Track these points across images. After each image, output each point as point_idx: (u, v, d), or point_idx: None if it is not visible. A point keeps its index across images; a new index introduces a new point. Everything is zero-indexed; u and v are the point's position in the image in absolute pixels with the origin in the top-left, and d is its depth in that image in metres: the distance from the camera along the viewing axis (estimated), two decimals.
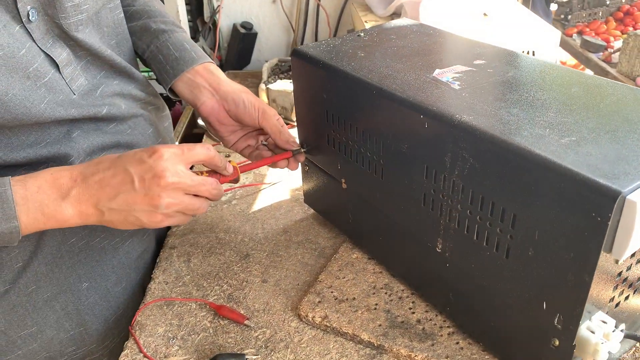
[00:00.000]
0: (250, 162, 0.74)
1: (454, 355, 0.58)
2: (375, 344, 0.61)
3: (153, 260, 0.78)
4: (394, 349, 0.60)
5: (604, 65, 2.09)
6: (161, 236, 0.82)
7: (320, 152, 0.74)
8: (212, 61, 0.77)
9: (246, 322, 0.65)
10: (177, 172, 0.56)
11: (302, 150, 0.75)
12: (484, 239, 0.52)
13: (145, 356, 0.61)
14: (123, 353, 0.62)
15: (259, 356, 0.61)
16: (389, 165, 0.62)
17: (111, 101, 0.68)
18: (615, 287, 0.50)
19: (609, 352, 0.49)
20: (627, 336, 0.56)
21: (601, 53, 2.10)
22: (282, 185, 0.91)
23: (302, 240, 0.78)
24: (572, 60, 2.54)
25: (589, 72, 2.17)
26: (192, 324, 0.66)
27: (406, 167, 0.59)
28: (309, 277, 0.72)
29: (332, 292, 0.68)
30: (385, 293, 0.67)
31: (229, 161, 0.67)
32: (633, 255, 0.49)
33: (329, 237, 0.79)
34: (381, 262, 0.72)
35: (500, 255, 0.51)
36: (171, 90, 0.77)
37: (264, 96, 1.16)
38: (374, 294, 0.67)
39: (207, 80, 0.74)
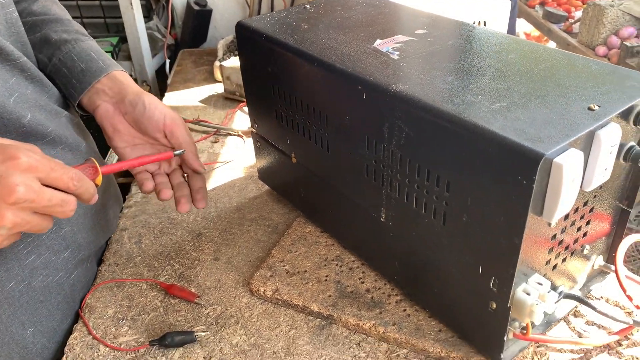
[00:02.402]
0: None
1: (401, 322, 0.59)
2: (325, 314, 0.61)
3: None
4: (343, 319, 0.61)
5: (565, 35, 2.11)
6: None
7: (270, 127, 0.73)
8: (122, 70, 0.68)
9: (196, 300, 0.65)
10: (32, 188, 0.46)
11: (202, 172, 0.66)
12: (422, 207, 0.53)
13: (94, 338, 0.61)
14: (72, 336, 0.62)
15: (209, 332, 0.61)
16: (333, 137, 0.61)
17: (32, 112, 0.59)
18: (551, 250, 0.51)
19: (545, 313, 0.50)
20: (566, 297, 0.58)
21: (562, 24, 2.12)
22: (236, 164, 0.91)
23: (255, 217, 0.78)
24: (535, 32, 2.56)
25: (551, 43, 2.19)
26: (142, 304, 0.65)
27: (349, 139, 0.59)
28: (262, 253, 0.72)
29: (284, 266, 0.68)
30: (337, 265, 0.68)
31: (89, 158, 0.56)
32: (567, 217, 0.51)
33: (282, 213, 0.79)
34: (333, 235, 0.72)
35: (437, 222, 0.52)
36: (80, 106, 0.67)
37: (218, 74, 1.14)
38: (325, 266, 0.68)
39: (107, 85, 0.65)
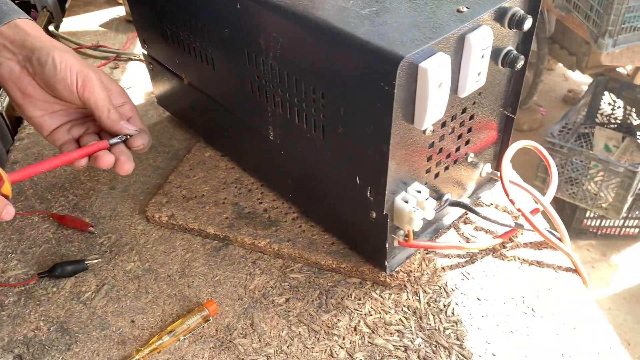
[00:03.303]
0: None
1: (295, 238, 0.60)
2: (221, 236, 0.61)
3: None
4: (239, 239, 0.61)
5: None
6: None
7: (159, 47, 0.70)
8: (28, 17, 0.54)
9: (90, 229, 0.63)
10: None
11: (132, 134, 0.53)
12: (303, 121, 0.52)
13: None
14: None
15: (102, 260, 0.60)
16: (217, 53, 0.59)
17: None
18: (430, 158, 0.52)
19: (424, 219, 0.51)
20: (452, 204, 0.60)
21: None
22: (136, 89, 0.87)
23: (154, 144, 0.76)
24: None
25: None
26: (33, 237, 0.63)
27: (231, 54, 0.56)
28: (160, 180, 0.70)
29: (180, 192, 0.66)
30: (235, 187, 0.67)
31: None
32: (444, 125, 0.51)
33: (183, 139, 0.76)
34: (232, 158, 0.71)
35: (318, 135, 0.51)
36: None
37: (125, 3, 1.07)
38: (223, 189, 0.67)
39: (8, 37, 0.52)
